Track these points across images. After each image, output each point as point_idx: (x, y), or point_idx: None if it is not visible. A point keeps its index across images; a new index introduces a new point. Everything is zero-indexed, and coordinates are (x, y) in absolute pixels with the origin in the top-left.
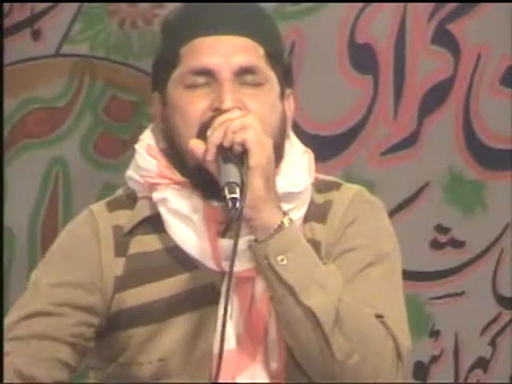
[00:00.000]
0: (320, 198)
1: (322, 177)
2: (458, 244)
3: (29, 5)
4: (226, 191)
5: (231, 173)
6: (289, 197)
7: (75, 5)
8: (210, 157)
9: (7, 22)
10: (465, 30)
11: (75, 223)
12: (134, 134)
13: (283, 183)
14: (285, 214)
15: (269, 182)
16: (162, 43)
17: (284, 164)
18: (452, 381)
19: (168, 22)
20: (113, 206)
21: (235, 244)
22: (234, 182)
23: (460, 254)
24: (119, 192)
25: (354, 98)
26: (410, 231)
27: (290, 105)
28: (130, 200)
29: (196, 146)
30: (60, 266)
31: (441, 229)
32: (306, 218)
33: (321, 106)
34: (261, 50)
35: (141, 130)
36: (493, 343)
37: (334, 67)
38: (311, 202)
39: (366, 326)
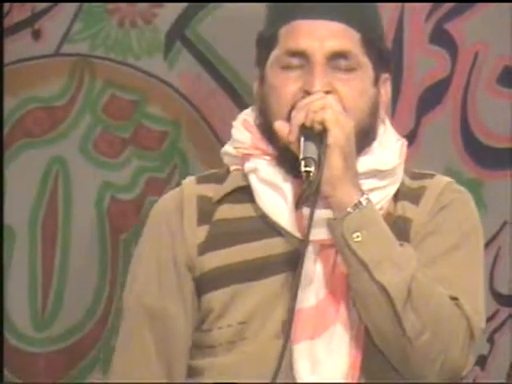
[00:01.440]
0: (414, 184)
1: (417, 170)
2: None
3: (29, 4)
4: (302, 165)
5: (310, 149)
6: (379, 174)
7: (75, 4)
8: (293, 137)
9: (7, 22)
10: (462, 29)
11: (162, 200)
12: (133, 132)
13: (372, 160)
14: (363, 193)
15: (347, 161)
16: (265, 22)
17: (375, 144)
18: None
19: (272, 4)
20: (202, 180)
21: (311, 215)
22: (311, 157)
23: None
24: (211, 171)
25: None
26: None
27: (386, 89)
28: (220, 176)
29: (280, 127)
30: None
31: None
32: (399, 198)
33: None
34: (356, 36)
35: (140, 128)
36: (491, 340)
37: None
38: (404, 186)
39: (438, 305)
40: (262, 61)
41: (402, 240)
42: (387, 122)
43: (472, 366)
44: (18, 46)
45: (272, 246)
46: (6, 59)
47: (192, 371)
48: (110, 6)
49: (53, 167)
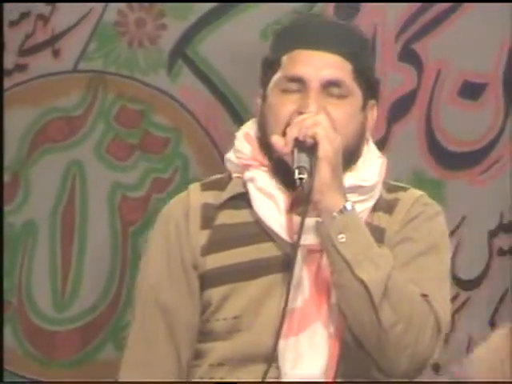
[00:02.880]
0: (389, 196)
1: (393, 182)
2: None
3: (50, 27)
4: (296, 172)
5: (302, 159)
6: (359, 189)
7: (90, 27)
8: (287, 149)
9: (31, 42)
10: (427, 48)
11: (170, 204)
12: (140, 139)
13: (356, 176)
14: (347, 200)
15: (334, 171)
16: (271, 48)
17: (360, 162)
18: None
19: (278, 32)
20: (206, 187)
21: (302, 219)
22: (304, 167)
23: None
24: (215, 176)
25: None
26: None
27: (372, 114)
28: (223, 182)
29: (276, 140)
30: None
31: None
32: (375, 209)
33: None
34: (349, 67)
35: (146, 135)
36: (452, 320)
37: None
38: (381, 198)
39: (410, 300)
40: (265, 81)
41: None
42: (370, 142)
43: (436, 357)
44: (41, 63)
45: (265, 250)
46: (31, 75)
47: (194, 353)
48: (121, 28)
49: (71, 169)
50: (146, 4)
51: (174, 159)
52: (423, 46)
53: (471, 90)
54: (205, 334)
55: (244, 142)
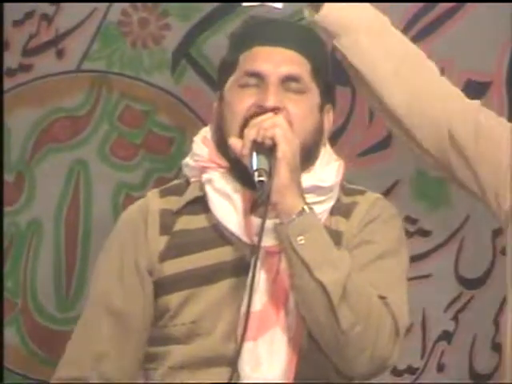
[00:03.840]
0: (347, 200)
1: (352, 186)
2: (424, 233)
3: (53, 27)
4: (256, 175)
5: (261, 162)
6: (317, 190)
7: (94, 27)
8: (246, 151)
9: (35, 42)
10: (430, 48)
11: (130, 210)
12: (144, 138)
13: (313, 177)
14: (306, 202)
15: (293, 173)
16: (228, 50)
17: (317, 163)
18: (420, 351)
19: (234, 33)
20: (164, 193)
21: (263, 222)
22: (263, 169)
23: (427, 241)
24: (173, 182)
25: (336, 107)
26: None
27: (329, 118)
28: (181, 188)
29: (234, 142)
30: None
31: (410, 220)
32: (333, 213)
33: None
34: (307, 65)
35: (150, 135)
36: (455, 318)
37: None
38: (339, 201)
39: (369, 302)
40: (221, 83)
41: None
42: (328, 146)
43: (395, 361)
44: (45, 63)
45: (223, 254)
46: (35, 75)
47: (151, 357)
48: (125, 28)
49: (75, 168)
50: (150, 4)
51: (178, 159)
52: (427, 45)
53: (475, 89)
54: (162, 339)
55: (201, 145)
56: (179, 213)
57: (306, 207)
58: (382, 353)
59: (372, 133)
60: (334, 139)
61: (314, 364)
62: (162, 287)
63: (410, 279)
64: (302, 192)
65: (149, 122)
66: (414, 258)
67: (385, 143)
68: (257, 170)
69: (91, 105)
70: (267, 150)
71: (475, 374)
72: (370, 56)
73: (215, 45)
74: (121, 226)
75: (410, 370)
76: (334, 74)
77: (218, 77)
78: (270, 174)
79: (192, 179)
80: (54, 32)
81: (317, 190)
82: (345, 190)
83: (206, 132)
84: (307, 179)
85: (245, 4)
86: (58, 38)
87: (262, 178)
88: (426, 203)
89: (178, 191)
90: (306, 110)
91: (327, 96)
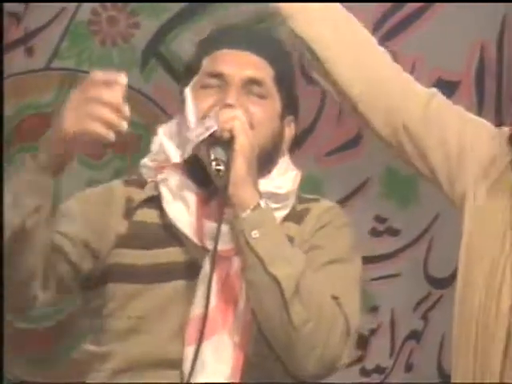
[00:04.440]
0: (300, 207)
1: (306, 195)
2: (394, 232)
3: (23, 25)
4: (213, 164)
5: (219, 152)
6: (274, 197)
7: (63, 25)
8: (203, 137)
9: (4, 41)
10: (400, 46)
11: (92, 189)
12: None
13: (270, 184)
14: (261, 197)
15: (250, 166)
16: (192, 55)
17: (274, 171)
18: (389, 350)
19: (201, 40)
20: (128, 183)
21: (219, 223)
22: (221, 159)
23: (396, 240)
24: (135, 177)
25: (305, 105)
26: (352, 221)
27: (290, 129)
28: (142, 182)
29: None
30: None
31: (379, 219)
32: (285, 219)
33: None
34: (271, 72)
35: (119, 134)
36: (424, 318)
37: None
38: (292, 209)
39: (321, 300)
40: (183, 87)
41: None
42: (287, 156)
43: (346, 361)
44: (14, 62)
45: (175, 254)
46: (4, 73)
47: (93, 357)
48: (94, 27)
49: None
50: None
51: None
52: (397, 43)
53: (444, 88)
54: (104, 334)
55: (158, 145)
56: (139, 206)
57: (261, 201)
58: (332, 352)
59: (341, 131)
60: (304, 138)
61: (260, 370)
62: (112, 274)
63: (379, 278)
64: (258, 187)
65: None
66: (383, 257)
67: (354, 142)
68: (214, 159)
69: (61, 103)
70: (225, 142)
71: (444, 373)
72: (325, 38)
73: (184, 43)
74: (83, 194)
75: (379, 370)
76: (304, 73)
77: (181, 80)
78: (228, 166)
79: (148, 180)
80: (23, 30)
81: (272, 196)
82: (300, 198)
83: (165, 132)
84: (263, 185)
85: None
86: (27, 37)
87: (219, 167)
88: (396, 202)
89: (139, 185)
90: (266, 114)
91: (290, 107)
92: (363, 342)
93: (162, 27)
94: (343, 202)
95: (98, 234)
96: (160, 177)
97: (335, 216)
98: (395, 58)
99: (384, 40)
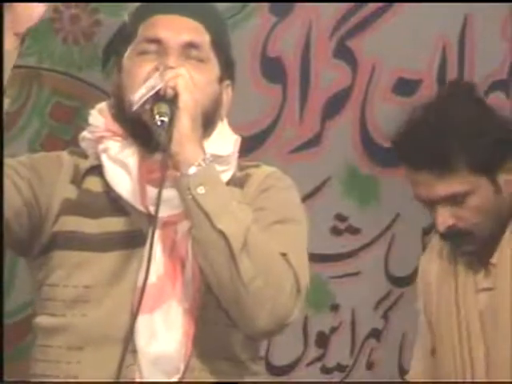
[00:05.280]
0: (241, 173)
1: (246, 162)
2: (354, 231)
3: None
4: (157, 117)
5: (163, 107)
6: (215, 159)
7: None
8: (148, 96)
9: None
10: (361, 45)
11: (40, 153)
12: (74, 134)
13: (211, 147)
14: (206, 154)
15: (194, 123)
16: (128, 21)
17: (214, 134)
18: (350, 348)
19: (137, 7)
20: (73, 153)
21: (160, 188)
22: (165, 112)
23: (356, 239)
24: (77, 149)
25: (266, 104)
26: (313, 219)
27: (227, 93)
28: (86, 154)
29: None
30: (27, 163)
31: (340, 217)
32: (228, 183)
33: (238, 111)
34: (207, 36)
35: (81, 131)
36: (385, 316)
37: (247, 77)
38: (233, 174)
39: (269, 256)
40: (119, 53)
41: None
42: (225, 121)
43: (296, 317)
44: None
45: (119, 224)
46: None
47: (39, 329)
48: (56, 25)
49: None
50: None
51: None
52: (358, 43)
53: (405, 87)
54: (46, 301)
55: (98, 116)
56: (85, 174)
57: (206, 157)
58: (282, 308)
59: (303, 130)
60: (265, 136)
61: (212, 337)
62: (59, 241)
63: (339, 277)
64: (202, 144)
65: (79, 118)
66: (344, 256)
67: (315, 140)
68: (157, 113)
69: (22, 101)
70: (169, 100)
71: (404, 371)
72: None
73: None
74: (36, 156)
75: (340, 368)
76: (264, 71)
77: (116, 46)
78: (171, 123)
79: (89, 151)
80: None
81: (214, 159)
82: (240, 165)
83: (102, 105)
84: (207, 148)
85: None
86: None
87: (163, 118)
88: (356, 201)
89: (84, 156)
90: (205, 77)
91: (227, 71)
92: (324, 340)
93: (122, 26)
94: (304, 200)
95: (45, 190)
96: (101, 147)
97: (278, 180)
98: (356, 57)
99: (345, 39)
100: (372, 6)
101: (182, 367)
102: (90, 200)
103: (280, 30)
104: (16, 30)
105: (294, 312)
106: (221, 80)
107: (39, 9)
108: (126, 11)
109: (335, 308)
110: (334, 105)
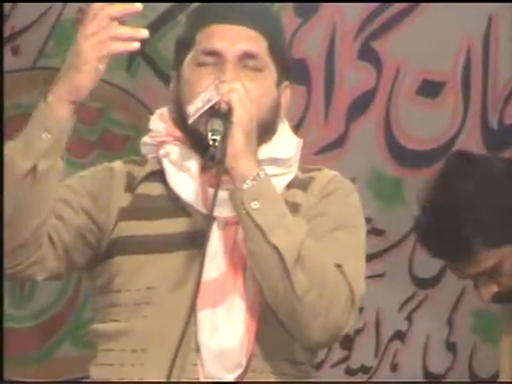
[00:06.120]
0: (304, 176)
1: (308, 166)
2: (378, 232)
3: (9, 24)
4: (209, 135)
5: (216, 123)
6: (277, 162)
7: (50, 24)
8: (203, 110)
9: None
10: (385, 46)
11: (92, 168)
12: (99, 136)
13: (271, 150)
14: (261, 167)
15: (248, 138)
16: (184, 28)
17: (275, 137)
18: (374, 350)
19: (191, 12)
20: (127, 162)
21: (216, 190)
22: (218, 130)
23: (381, 241)
24: (133, 158)
25: (290, 106)
26: None
27: (286, 94)
28: (140, 161)
29: (191, 107)
30: (81, 182)
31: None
32: (291, 187)
33: None
34: (264, 43)
35: (105, 132)
36: (409, 318)
37: None
38: (296, 177)
39: (324, 268)
40: (178, 62)
41: None
42: (286, 123)
43: (352, 328)
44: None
45: (181, 224)
46: None
47: (97, 335)
48: (80, 25)
49: None
50: None
51: (133, 156)
52: (382, 44)
53: (430, 89)
54: (107, 308)
55: (158, 121)
56: (141, 181)
57: (260, 173)
58: (336, 320)
59: (327, 131)
60: None
61: (274, 334)
62: (118, 246)
63: None
64: (256, 158)
65: (104, 119)
66: (368, 257)
67: (340, 141)
68: (211, 130)
69: None
70: (223, 114)
71: (428, 373)
72: None
73: (171, 42)
74: (86, 172)
75: (364, 370)
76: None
77: (175, 55)
78: (225, 137)
79: (149, 156)
80: (10, 29)
81: (275, 161)
82: (302, 168)
83: (163, 111)
84: (265, 151)
85: None
86: (13, 35)
87: (215, 137)
88: (381, 202)
89: (140, 163)
90: (263, 87)
91: (284, 73)
92: (348, 341)
93: (148, 26)
94: None
95: (101, 208)
96: (162, 152)
97: (341, 184)
98: (381, 58)
99: (369, 40)
100: (396, 7)
101: (243, 363)
102: (146, 203)
103: (304, 32)
104: (72, 99)
105: (349, 323)
106: (279, 83)
107: (94, 79)
108: (152, 12)
109: (360, 310)
110: (359, 106)
